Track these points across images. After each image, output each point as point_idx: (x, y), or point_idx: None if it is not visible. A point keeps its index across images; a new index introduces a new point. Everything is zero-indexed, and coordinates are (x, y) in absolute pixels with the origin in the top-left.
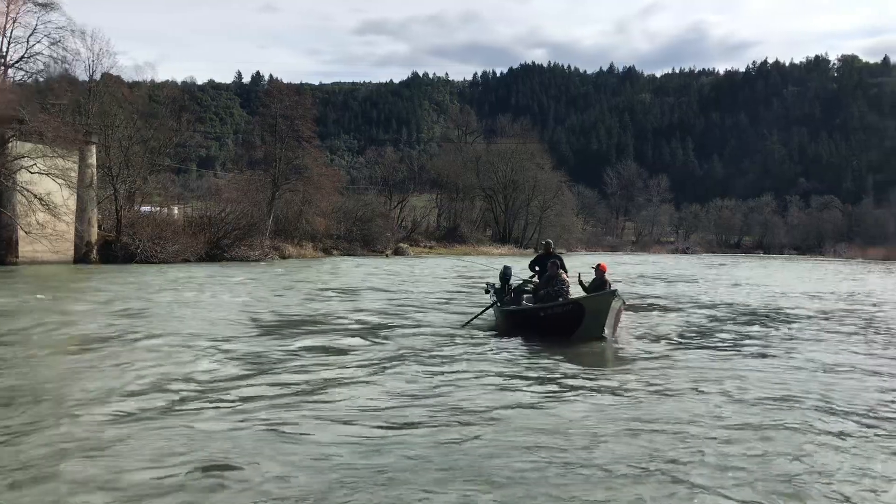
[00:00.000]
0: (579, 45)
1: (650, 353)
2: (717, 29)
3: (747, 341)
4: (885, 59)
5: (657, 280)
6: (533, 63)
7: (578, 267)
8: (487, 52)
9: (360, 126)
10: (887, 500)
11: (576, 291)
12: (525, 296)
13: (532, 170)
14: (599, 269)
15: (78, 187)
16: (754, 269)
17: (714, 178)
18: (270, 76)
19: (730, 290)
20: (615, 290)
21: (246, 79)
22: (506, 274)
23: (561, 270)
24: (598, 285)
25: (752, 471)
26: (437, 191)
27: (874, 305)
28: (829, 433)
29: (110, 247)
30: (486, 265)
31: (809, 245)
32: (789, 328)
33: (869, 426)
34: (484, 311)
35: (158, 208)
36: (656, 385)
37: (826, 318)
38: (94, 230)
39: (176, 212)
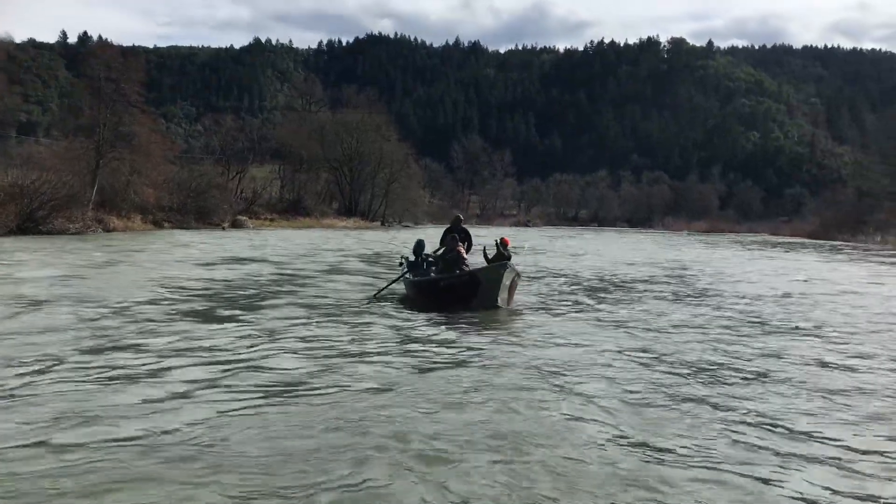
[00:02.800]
0: (426, 18)
1: (532, 319)
2: (558, 9)
3: (608, 301)
4: (710, 44)
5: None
6: (380, 34)
7: (483, 239)
8: (333, 21)
9: (199, 92)
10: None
11: (480, 263)
12: (433, 268)
13: (378, 141)
14: (502, 243)
15: None
16: (593, 241)
17: (554, 153)
18: (100, 37)
19: (583, 260)
20: (507, 262)
21: (72, 39)
22: (419, 247)
23: (459, 244)
24: (499, 258)
25: (631, 401)
26: (279, 161)
27: (702, 273)
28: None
29: None
30: (330, 237)
31: (640, 218)
32: (634, 290)
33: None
34: (391, 283)
35: None
36: (540, 343)
37: (663, 283)
38: None
39: None
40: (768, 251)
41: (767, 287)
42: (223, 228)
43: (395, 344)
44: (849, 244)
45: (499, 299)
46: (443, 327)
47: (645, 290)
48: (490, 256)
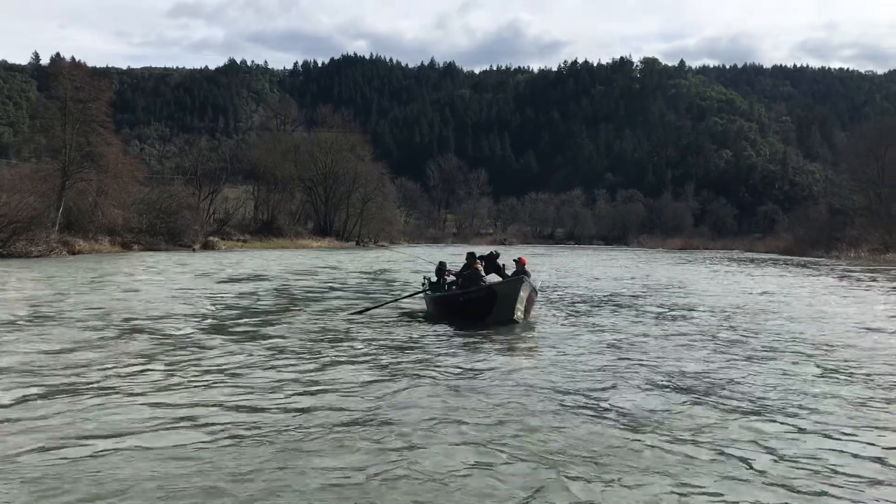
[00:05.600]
0: (401, 38)
1: (545, 330)
2: (532, 28)
3: (611, 315)
4: (682, 63)
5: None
6: (355, 54)
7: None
8: (308, 41)
9: (174, 113)
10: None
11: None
12: (453, 287)
13: (352, 161)
14: (520, 262)
15: None
16: (573, 260)
17: (529, 172)
18: (73, 58)
19: (570, 277)
20: (523, 278)
21: (44, 60)
22: (441, 268)
23: (477, 261)
24: (517, 275)
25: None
26: (253, 182)
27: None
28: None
29: None
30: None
31: (615, 236)
32: (631, 306)
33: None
34: (399, 299)
35: None
36: (555, 350)
37: (645, 297)
38: None
39: None
40: (746, 268)
41: (753, 301)
42: (193, 250)
43: (419, 353)
44: (822, 260)
45: (515, 313)
46: (466, 338)
47: (634, 305)
48: (509, 275)
